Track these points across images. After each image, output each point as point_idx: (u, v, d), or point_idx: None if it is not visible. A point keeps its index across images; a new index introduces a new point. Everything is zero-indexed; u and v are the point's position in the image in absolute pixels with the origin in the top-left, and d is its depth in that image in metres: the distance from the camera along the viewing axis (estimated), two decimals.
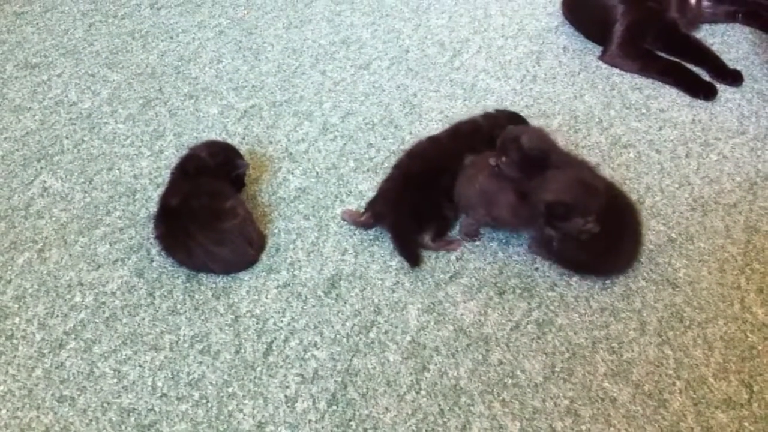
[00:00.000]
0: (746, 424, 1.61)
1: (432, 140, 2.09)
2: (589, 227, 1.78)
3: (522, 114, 2.38)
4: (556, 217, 1.79)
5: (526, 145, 1.86)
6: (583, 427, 1.60)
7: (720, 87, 2.50)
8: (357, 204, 2.08)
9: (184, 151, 2.08)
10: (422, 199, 1.94)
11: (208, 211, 1.83)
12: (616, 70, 2.60)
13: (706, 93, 2.48)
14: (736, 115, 2.42)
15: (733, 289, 1.87)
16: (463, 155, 1.98)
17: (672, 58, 2.60)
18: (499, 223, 1.96)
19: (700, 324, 1.80)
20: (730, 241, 2.00)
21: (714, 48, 2.66)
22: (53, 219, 2.04)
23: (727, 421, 1.62)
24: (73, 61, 2.62)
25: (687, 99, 2.48)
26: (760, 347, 1.76)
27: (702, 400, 1.65)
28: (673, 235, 2.01)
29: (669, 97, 2.49)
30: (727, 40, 2.75)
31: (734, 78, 2.54)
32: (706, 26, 2.81)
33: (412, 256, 1.91)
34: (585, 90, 2.52)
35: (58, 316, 1.81)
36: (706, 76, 2.55)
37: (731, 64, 2.59)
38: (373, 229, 2.01)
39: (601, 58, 2.65)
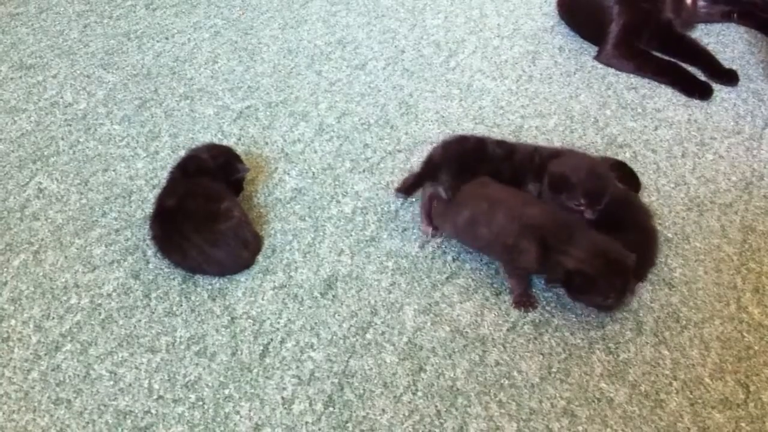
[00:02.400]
0: (743, 424, 1.62)
1: None
2: (609, 303, 1.73)
3: (519, 113, 2.39)
4: (575, 287, 1.73)
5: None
6: (580, 428, 1.60)
7: (715, 86, 2.51)
8: (353, 204, 2.08)
9: (183, 152, 2.09)
10: None
11: (204, 212, 1.83)
12: (612, 70, 2.61)
13: (702, 93, 2.48)
14: (732, 114, 2.42)
15: (729, 289, 1.88)
16: None
17: (667, 58, 2.60)
18: (525, 271, 1.85)
19: (697, 324, 1.80)
20: (726, 241, 2.00)
21: (709, 47, 2.67)
22: (49, 221, 2.04)
23: (724, 421, 1.62)
24: (69, 62, 2.62)
25: (682, 99, 2.48)
26: (756, 347, 1.76)
27: (698, 400, 1.66)
28: (669, 234, 2.01)
29: (665, 97, 2.49)
30: (723, 40, 2.75)
31: (729, 77, 2.55)
32: (701, 26, 2.81)
33: None
34: (581, 90, 2.52)
35: (53, 318, 1.81)
36: (701, 76, 2.56)
37: (727, 64, 2.59)
38: (369, 230, 2.01)
39: (597, 58, 2.65)
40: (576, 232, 1.74)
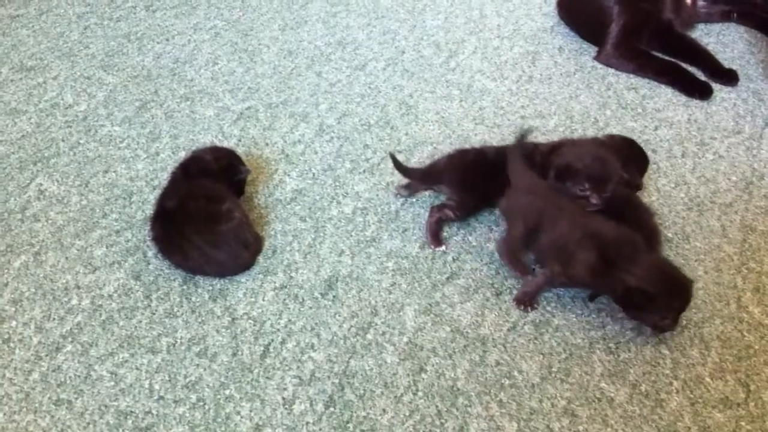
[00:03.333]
0: (743, 423, 1.62)
1: None
2: (665, 324, 1.72)
3: (519, 114, 2.39)
4: (633, 304, 1.71)
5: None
6: (581, 428, 1.60)
7: (715, 86, 2.51)
8: (354, 205, 2.08)
9: (184, 153, 2.10)
10: None
11: (205, 213, 1.83)
12: (612, 70, 2.61)
13: (702, 92, 2.49)
14: (732, 114, 2.42)
15: (729, 289, 1.88)
16: None
17: (667, 58, 2.61)
18: (573, 283, 1.82)
19: (697, 324, 1.80)
20: (726, 241, 2.00)
21: (709, 47, 2.67)
22: (49, 222, 2.04)
23: (724, 421, 1.62)
24: (69, 63, 2.62)
25: (682, 99, 2.49)
26: (756, 346, 1.76)
27: (699, 399, 1.66)
28: (670, 234, 2.01)
29: (665, 97, 2.49)
30: (723, 40, 2.75)
31: (729, 77, 2.55)
32: (701, 26, 2.82)
33: None
34: (581, 90, 2.52)
35: (54, 319, 1.81)
36: (701, 76, 2.56)
37: (726, 64, 2.60)
38: (369, 231, 2.01)
39: (597, 58, 2.66)
40: (639, 250, 1.73)
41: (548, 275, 1.79)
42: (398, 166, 2.05)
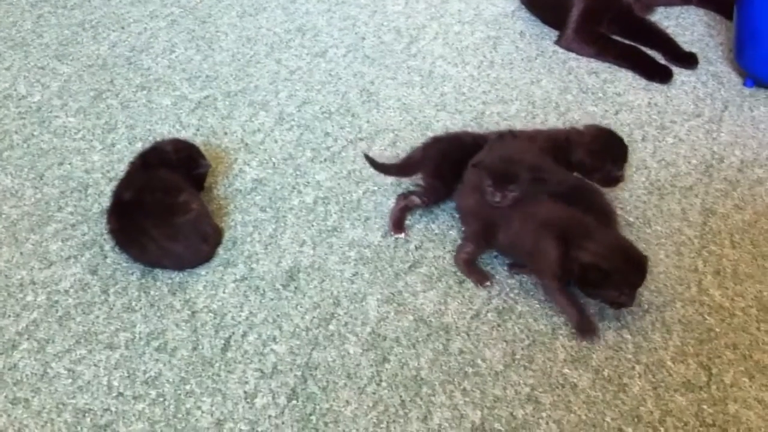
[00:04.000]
0: (705, 406, 1.63)
1: None
2: (623, 300, 1.72)
3: (481, 100, 2.39)
4: (588, 281, 1.71)
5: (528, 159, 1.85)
6: (544, 414, 1.60)
7: (675, 70, 2.52)
8: (315, 194, 2.05)
9: (141, 144, 2.09)
10: None
11: (161, 205, 1.80)
12: (573, 55, 2.61)
13: (662, 76, 2.49)
14: (692, 97, 2.43)
15: (690, 272, 1.89)
16: None
17: (628, 42, 2.61)
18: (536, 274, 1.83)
19: (658, 308, 1.81)
20: (687, 224, 2.01)
21: (669, 31, 2.68)
22: (3, 216, 1.99)
23: (687, 404, 1.63)
24: (22, 53, 2.56)
25: (643, 82, 2.49)
26: (717, 329, 1.77)
27: (661, 383, 1.66)
28: (631, 219, 2.01)
29: (625, 81, 2.49)
30: (682, 23, 2.76)
31: (689, 61, 2.56)
32: (660, 9, 2.82)
33: None
34: (542, 75, 2.52)
35: (9, 316, 1.77)
36: (661, 59, 2.57)
37: (686, 47, 2.60)
38: (331, 220, 1.99)
39: (558, 43, 2.65)
40: (591, 228, 1.74)
41: (552, 289, 1.77)
42: (375, 165, 2.02)
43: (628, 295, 1.72)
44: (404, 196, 1.98)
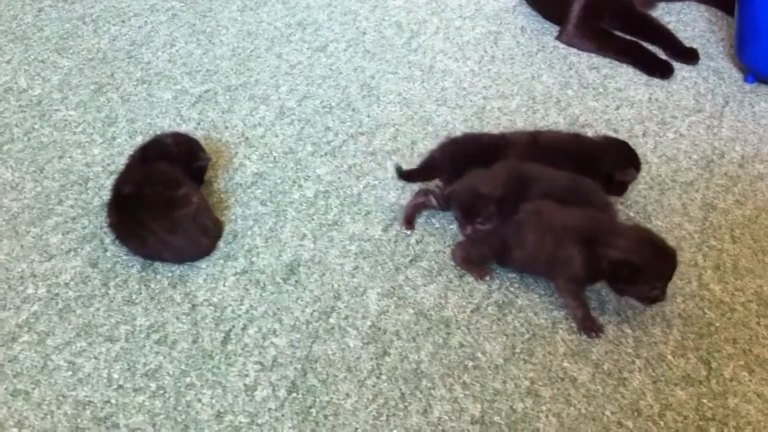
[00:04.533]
0: (705, 400, 1.63)
1: None
2: (655, 294, 1.70)
3: (481, 95, 2.38)
4: (621, 279, 1.69)
5: (490, 191, 1.83)
6: (544, 408, 1.60)
7: (676, 65, 2.52)
8: (315, 188, 2.05)
9: (141, 138, 2.08)
10: None
11: (161, 198, 1.80)
12: (574, 50, 2.61)
13: (663, 71, 2.49)
14: (693, 93, 2.43)
15: (690, 267, 1.89)
16: None
17: (628, 37, 2.61)
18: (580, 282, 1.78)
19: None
20: (687, 219, 2.01)
21: (670, 26, 2.68)
22: (3, 209, 1.99)
23: (686, 398, 1.63)
24: (23, 47, 2.56)
25: (644, 78, 2.49)
26: (717, 324, 1.77)
27: (661, 377, 1.66)
28: (631, 214, 2.01)
29: (626, 77, 2.49)
30: (683, 18, 2.76)
31: (690, 56, 2.56)
32: (662, 5, 2.82)
33: None
34: (543, 70, 2.51)
35: (10, 308, 1.77)
36: (662, 55, 2.57)
37: (687, 42, 2.60)
38: (331, 214, 1.99)
39: (559, 38, 2.65)
40: (615, 223, 1.75)
41: (567, 289, 1.76)
42: (402, 175, 2.01)
43: (661, 289, 1.70)
44: (424, 193, 1.97)
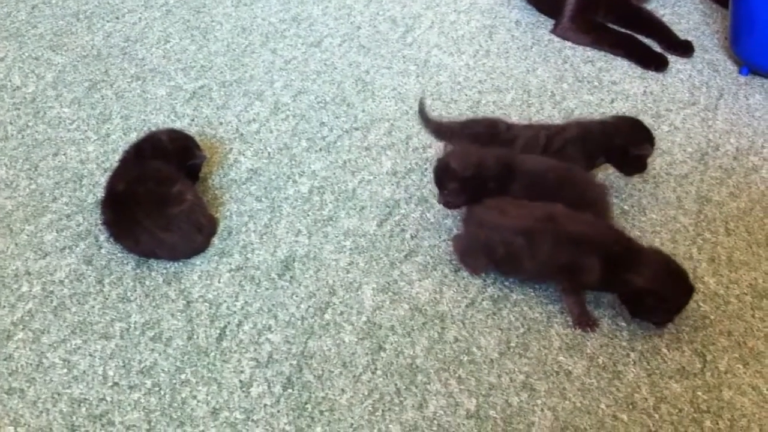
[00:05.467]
0: (700, 393, 1.63)
1: None
2: (667, 320, 1.72)
3: (476, 89, 2.38)
4: (643, 306, 1.70)
5: (459, 169, 1.85)
6: (539, 401, 1.61)
7: (671, 58, 2.52)
8: (310, 183, 2.05)
9: (135, 135, 2.08)
10: None
11: (155, 196, 1.80)
12: (569, 44, 2.60)
13: (657, 64, 2.49)
14: (687, 86, 2.43)
15: (685, 260, 1.88)
16: None
17: (623, 31, 2.60)
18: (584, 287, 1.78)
19: None
20: (682, 212, 2.01)
21: (665, 19, 2.68)
22: None
23: (681, 391, 1.63)
24: (16, 44, 2.55)
25: (638, 71, 2.49)
26: (712, 316, 1.77)
27: (656, 370, 1.67)
28: (626, 207, 2.01)
29: (621, 70, 2.49)
30: (678, 11, 2.76)
31: (685, 49, 2.56)
32: None
33: None
34: (538, 64, 2.51)
35: (5, 306, 1.77)
36: (657, 48, 2.56)
37: (682, 35, 2.60)
38: (326, 210, 1.99)
39: (554, 31, 2.65)
40: (639, 248, 1.73)
41: (572, 291, 1.76)
42: (422, 110, 2.07)
43: (675, 315, 1.72)
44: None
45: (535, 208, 1.77)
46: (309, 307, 1.78)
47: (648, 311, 1.71)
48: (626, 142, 1.94)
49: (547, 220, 1.74)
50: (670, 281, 1.69)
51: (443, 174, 1.87)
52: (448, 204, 1.89)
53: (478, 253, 1.82)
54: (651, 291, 1.66)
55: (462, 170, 1.84)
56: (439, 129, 2.08)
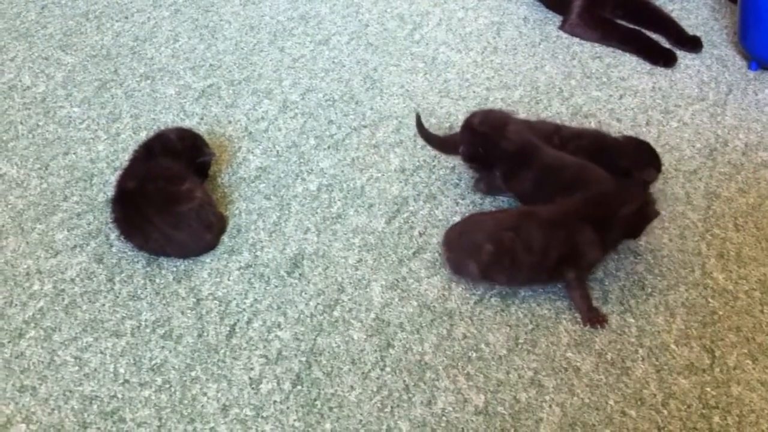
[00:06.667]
0: (708, 389, 1.63)
1: None
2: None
3: (484, 86, 2.38)
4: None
5: (476, 122, 1.92)
6: (547, 398, 1.61)
7: (679, 54, 2.51)
8: (319, 181, 2.06)
9: (145, 134, 2.10)
10: None
11: (164, 194, 1.81)
12: (577, 40, 2.60)
13: (666, 60, 2.48)
14: (696, 81, 2.42)
15: (693, 256, 1.89)
16: None
17: (631, 26, 2.60)
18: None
19: (662, 291, 1.81)
20: (691, 208, 2.01)
21: (673, 14, 2.67)
22: (9, 206, 2.00)
23: (690, 387, 1.63)
24: (26, 44, 2.57)
25: (647, 67, 2.48)
26: (721, 312, 1.77)
27: (664, 366, 1.67)
28: None
29: (629, 66, 2.49)
30: (687, 6, 2.75)
31: (693, 44, 2.55)
32: None
33: None
34: (546, 60, 2.51)
35: (16, 305, 1.78)
36: (665, 43, 2.56)
37: (690, 31, 2.59)
38: (335, 207, 1.99)
39: (562, 27, 2.64)
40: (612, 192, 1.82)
41: (574, 285, 1.76)
42: (421, 128, 2.12)
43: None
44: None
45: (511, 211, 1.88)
46: (318, 304, 1.78)
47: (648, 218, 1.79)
48: (630, 166, 1.95)
49: (525, 215, 1.80)
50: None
51: (465, 124, 1.96)
52: (463, 156, 1.97)
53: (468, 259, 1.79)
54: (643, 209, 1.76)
55: (479, 124, 1.93)
56: (443, 143, 2.10)
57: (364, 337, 1.72)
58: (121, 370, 1.66)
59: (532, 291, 1.80)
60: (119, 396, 1.62)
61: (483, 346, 1.70)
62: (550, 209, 1.78)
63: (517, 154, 1.90)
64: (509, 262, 1.74)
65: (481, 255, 1.74)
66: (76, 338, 1.72)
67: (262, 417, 1.58)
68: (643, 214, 1.79)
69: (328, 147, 2.18)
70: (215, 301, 1.78)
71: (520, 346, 1.70)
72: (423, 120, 2.13)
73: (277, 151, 2.16)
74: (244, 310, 1.77)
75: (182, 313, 1.76)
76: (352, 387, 1.63)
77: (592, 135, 2.05)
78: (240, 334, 1.72)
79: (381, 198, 2.02)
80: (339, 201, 2.02)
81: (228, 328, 1.73)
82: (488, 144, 1.92)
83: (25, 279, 1.84)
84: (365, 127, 2.24)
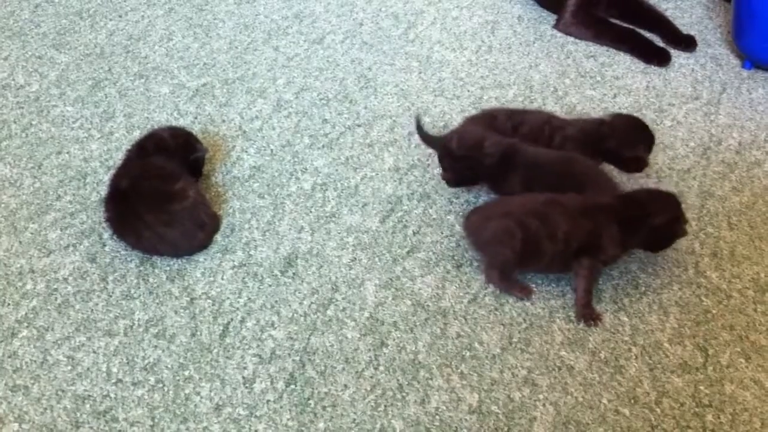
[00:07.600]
0: (701, 387, 1.63)
1: None
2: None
3: (479, 85, 2.38)
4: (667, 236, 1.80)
5: (454, 147, 1.93)
6: (541, 396, 1.61)
7: (673, 53, 2.51)
8: (313, 180, 2.06)
9: (138, 133, 2.10)
10: None
11: (157, 192, 1.81)
12: (571, 39, 2.60)
13: (660, 59, 2.49)
14: (690, 80, 2.43)
15: (687, 254, 1.89)
16: None
17: (625, 25, 2.60)
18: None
19: (655, 290, 1.81)
20: (684, 207, 1.99)
21: (667, 13, 2.67)
22: (2, 205, 2.00)
23: (683, 385, 1.63)
24: (20, 43, 2.56)
25: (641, 66, 2.49)
26: (714, 311, 1.78)
27: (658, 365, 1.67)
28: None
29: (623, 65, 2.49)
30: (681, 5, 2.75)
31: (688, 43, 2.56)
32: None
33: None
34: (540, 59, 2.51)
35: (9, 304, 1.78)
36: (659, 42, 2.56)
37: (685, 30, 2.60)
38: (329, 206, 1.99)
39: (556, 26, 2.65)
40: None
41: (585, 273, 1.75)
42: (421, 130, 2.11)
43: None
44: None
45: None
46: (312, 303, 1.78)
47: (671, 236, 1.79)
48: (619, 145, 1.95)
49: (551, 203, 1.78)
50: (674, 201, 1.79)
51: (442, 149, 1.96)
52: (444, 177, 1.98)
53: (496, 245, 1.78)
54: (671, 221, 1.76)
55: (457, 149, 1.93)
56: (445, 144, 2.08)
57: (358, 336, 1.72)
58: (114, 370, 1.65)
59: None
60: (112, 395, 1.61)
61: (477, 345, 1.70)
62: (578, 200, 1.77)
63: (500, 162, 1.89)
64: (533, 250, 1.75)
65: (513, 241, 1.74)
66: (69, 337, 1.71)
67: (256, 416, 1.58)
68: (671, 229, 1.77)
69: (322, 146, 2.17)
70: (208, 301, 1.78)
71: (513, 345, 1.70)
72: (413, 121, 2.12)
73: (271, 150, 2.16)
74: (238, 309, 1.77)
75: (175, 312, 1.76)
76: (345, 386, 1.63)
77: (580, 122, 2.05)
78: (233, 334, 1.72)
79: (375, 197, 2.02)
80: (333, 200, 2.02)
81: (221, 328, 1.73)
82: (471, 165, 1.92)
83: (18, 278, 1.83)
84: (359, 126, 2.24)
